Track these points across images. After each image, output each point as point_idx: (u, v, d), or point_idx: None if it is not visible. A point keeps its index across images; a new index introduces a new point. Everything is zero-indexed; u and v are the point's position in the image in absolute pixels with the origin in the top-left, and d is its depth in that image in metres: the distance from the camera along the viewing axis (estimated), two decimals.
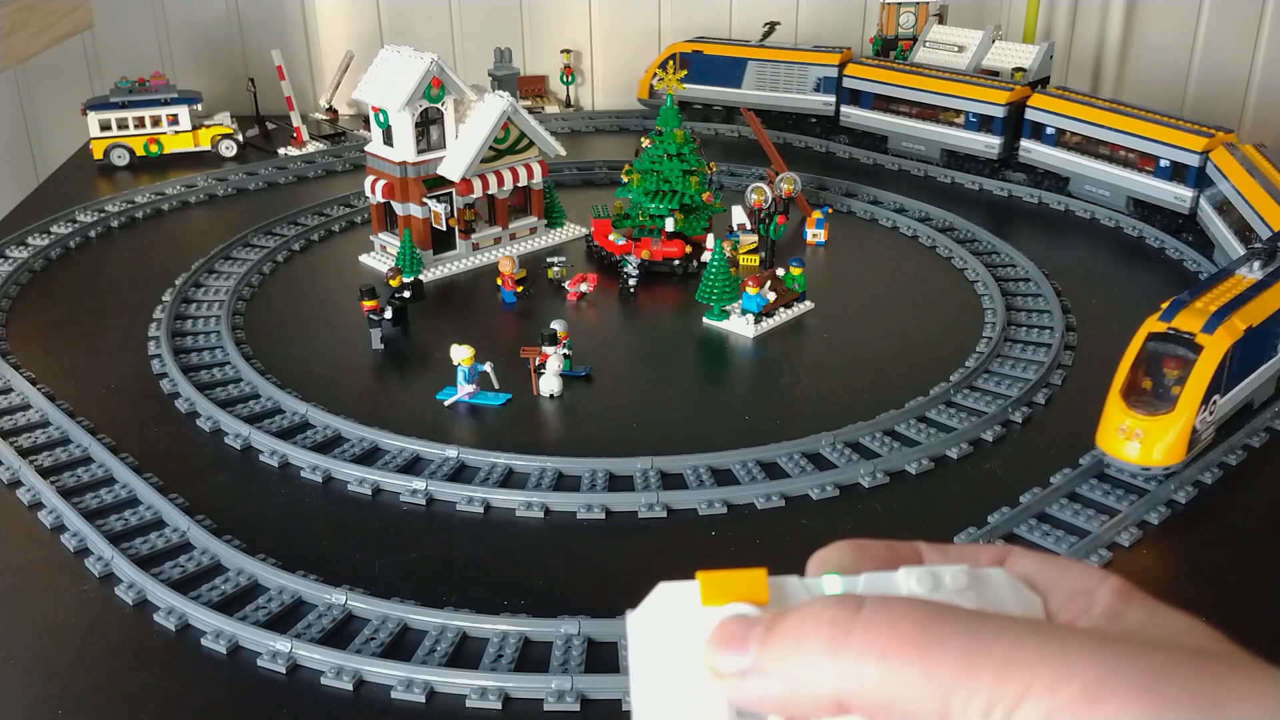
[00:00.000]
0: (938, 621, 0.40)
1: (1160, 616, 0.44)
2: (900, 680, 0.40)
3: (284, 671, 1.57)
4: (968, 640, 0.39)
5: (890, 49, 4.14)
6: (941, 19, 4.10)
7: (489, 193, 3.01)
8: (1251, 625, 1.66)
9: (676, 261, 2.92)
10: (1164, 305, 2.01)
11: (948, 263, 3.04)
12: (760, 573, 0.45)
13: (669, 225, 2.93)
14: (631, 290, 2.85)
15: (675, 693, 0.44)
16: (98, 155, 3.80)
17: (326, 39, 4.49)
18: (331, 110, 4.34)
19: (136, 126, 3.82)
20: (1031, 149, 3.53)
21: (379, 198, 2.98)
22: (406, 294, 2.62)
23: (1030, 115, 3.52)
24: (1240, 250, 2.64)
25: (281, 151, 3.93)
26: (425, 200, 2.92)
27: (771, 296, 2.65)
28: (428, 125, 2.92)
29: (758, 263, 2.99)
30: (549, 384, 2.32)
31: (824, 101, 4.03)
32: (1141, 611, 0.44)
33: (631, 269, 2.84)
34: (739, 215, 3.13)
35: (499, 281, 2.82)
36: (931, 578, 0.45)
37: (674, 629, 0.44)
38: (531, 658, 1.57)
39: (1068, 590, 0.46)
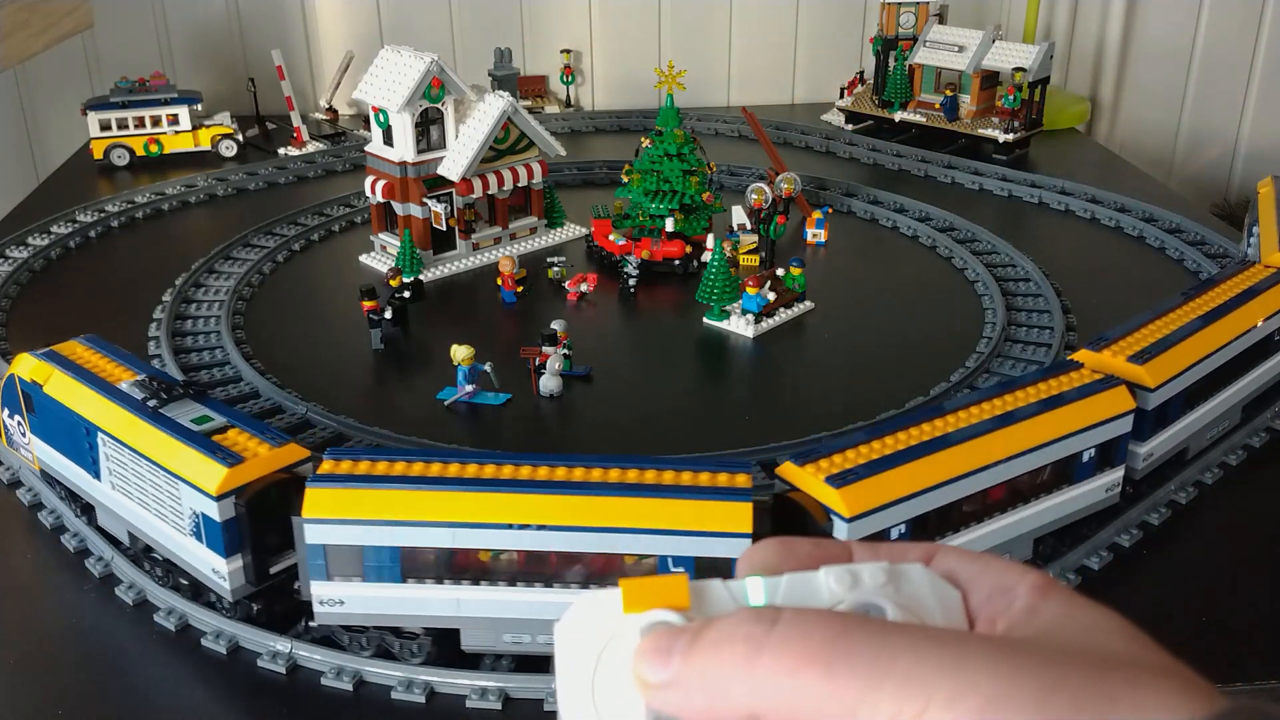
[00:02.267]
0: (846, 637, 0.42)
1: (1077, 612, 0.45)
2: (808, 696, 0.41)
3: (284, 671, 1.57)
4: (873, 655, 0.41)
5: (890, 49, 4.14)
6: (941, 19, 4.10)
7: (489, 193, 3.01)
8: (1252, 625, 1.65)
9: (676, 261, 2.92)
10: None
11: (948, 263, 3.04)
12: (681, 578, 0.46)
13: (669, 225, 2.93)
14: (631, 290, 2.85)
15: (597, 698, 0.45)
16: (98, 155, 3.80)
17: (326, 39, 4.49)
18: (331, 110, 4.34)
19: (136, 126, 3.82)
20: None
21: (379, 198, 2.98)
22: (406, 294, 2.62)
23: None
24: None
25: (281, 151, 3.93)
26: (425, 200, 2.92)
27: (771, 296, 2.65)
28: (428, 125, 2.92)
29: (758, 263, 2.99)
30: (549, 384, 2.32)
31: None
32: (1057, 607, 0.45)
33: (631, 269, 2.84)
34: (739, 215, 3.12)
35: (499, 281, 2.82)
36: (850, 576, 0.46)
37: (597, 636, 0.46)
38: (532, 658, 1.57)
39: (989, 587, 0.47)
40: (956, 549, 0.49)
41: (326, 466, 1.52)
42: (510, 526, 1.44)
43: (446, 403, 2.30)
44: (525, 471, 1.50)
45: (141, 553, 1.75)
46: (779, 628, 0.43)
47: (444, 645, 1.56)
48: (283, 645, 1.58)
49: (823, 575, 0.47)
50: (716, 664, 0.43)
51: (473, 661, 1.56)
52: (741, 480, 1.48)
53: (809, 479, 1.52)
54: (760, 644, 0.42)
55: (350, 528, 1.46)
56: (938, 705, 0.39)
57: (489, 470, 1.51)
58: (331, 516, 1.46)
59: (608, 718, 0.45)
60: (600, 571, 1.47)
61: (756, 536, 1.42)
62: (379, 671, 1.54)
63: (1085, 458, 1.71)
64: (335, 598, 1.50)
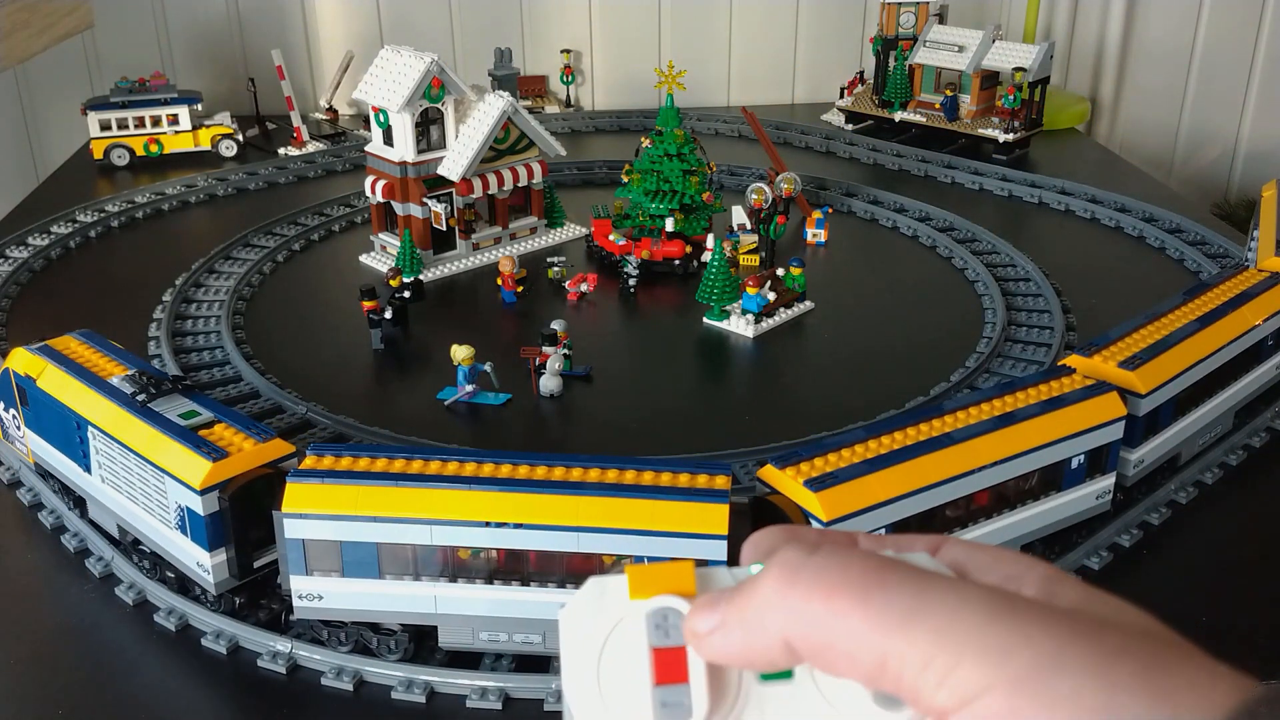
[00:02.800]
0: (886, 571, 0.41)
1: (1095, 601, 0.44)
2: (841, 623, 0.40)
3: (284, 671, 1.57)
4: (912, 593, 0.40)
5: (890, 49, 4.14)
6: (941, 19, 4.10)
7: (489, 193, 3.01)
8: (1252, 625, 1.65)
9: (676, 261, 2.92)
10: None
11: (948, 263, 3.04)
12: (687, 564, 0.47)
13: (669, 225, 2.93)
14: (631, 290, 2.85)
15: (603, 681, 0.46)
16: (98, 155, 3.80)
17: (326, 39, 4.49)
18: (331, 110, 4.33)
19: (136, 126, 3.82)
20: None
21: (379, 198, 2.98)
22: (406, 294, 2.62)
23: None
24: None
25: (281, 151, 3.93)
26: (425, 200, 2.92)
27: (771, 296, 2.65)
28: (428, 125, 2.92)
29: (758, 263, 2.99)
30: (549, 384, 2.31)
31: None
32: (1075, 593, 0.44)
33: (631, 269, 2.84)
34: (739, 215, 3.12)
35: (499, 281, 2.82)
36: None
37: (603, 623, 0.46)
38: (532, 658, 1.57)
39: (998, 577, 0.46)
40: (964, 541, 0.49)
41: (309, 462, 1.53)
42: (487, 525, 1.45)
43: (446, 403, 2.30)
44: (505, 470, 1.51)
45: (130, 545, 1.76)
46: (818, 555, 0.42)
47: (431, 642, 1.56)
48: (283, 645, 1.58)
49: None
50: (756, 595, 0.43)
51: (473, 661, 1.56)
52: (720, 482, 1.48)
53: (788, 482, 1.52)
54: (797, 569, 0.42)
55: (328, 523, 1.48)
56: (970, 659, 0.37)
57: (469, 468, 1.52)
58: (310, 511, 1.48)
59: (613, 703, 0.45)
60: (578, 571, 1.47)
61: (732, 539, 1.42)
62: (379, 671, 1.54)
63: (1075, 464, 1.71)
64: (314, 592, 1.52)
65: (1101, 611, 0.43)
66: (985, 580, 0.46)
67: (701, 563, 0.56)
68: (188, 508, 1.55)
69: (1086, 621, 0.39)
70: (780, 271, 2.71)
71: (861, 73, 4.44)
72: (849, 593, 0.40)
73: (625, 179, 3.07)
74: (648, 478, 1.49)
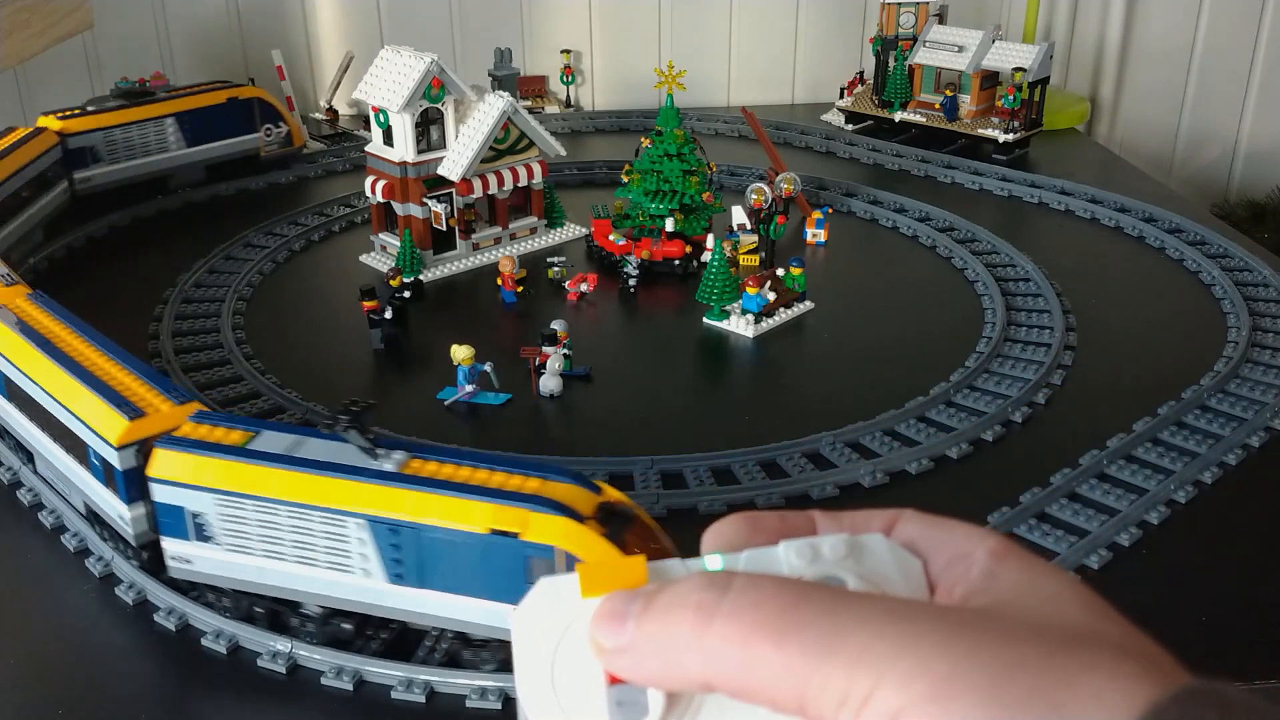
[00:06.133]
0: (799, 607, 0.41)
1: (1038, 579, 0.44)
2: (759, 666, 0.40)
3: (284, 671, 1.57)
4: (826, 628, 0.40)
5: (890, 49, 4.14)
6: (941, 19, 4.10)
7: (489, 193, 3.01)
8: (1252, 625, 1.66)
9: (676, 261, 2.92)
10: None
11: (948, 263, 3.04)
12: (639, 560, 0.46)
13: (669, 225, 2.93)
14: (631, 290, 2.85)
15: (558, 682, 0.45)
16: None
17: (326, 39, 4.49)
18: (331, 110, 4.33)
19: None
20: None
21: (379, 198, 2.98)
22: (406, 294, 2.62)
23: None
24: None
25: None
26: (425, 200, 2.92)
27: (771, 296, 2.65)
28: (428, 125, 2.92)
29: (758, 263, 2.99)
30: (549, 384, 2.32)
31: None
32: (1017, 573, 0.44)
33: (631, 269, 2.84)
34: (739, 215, 3.12)
35: (499, 281, 2.82)
36: (811, 549, 0.46)
37: (555, 623, 0.46)
38: None
39: (950, 553, 0.46)
40: (920, 514, 0.49)
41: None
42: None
43: (446, 403, 2.30)
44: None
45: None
46: (731, 595, 0.42)
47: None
48: (283, 645, 1.59)
49: (782, 550, 0.47)
50: (669, 631, 0.42)
51: (473, 661, 1.56)
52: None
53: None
54: (711, 612, 0.42)
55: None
56: (889, 684, 0.38)
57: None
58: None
59: (568, 704, 0.45)
60: None
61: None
62: (379, 671, 1.54)
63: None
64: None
65: (1033, 596, 0.43)
66: (938, 561, 0.46)
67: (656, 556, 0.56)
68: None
69: (991, 632, 0.40)
70: (780, 271, 2.71)
71: (861, 73, 4.43)
72: (764, 635, 0.40)
73: (625, 179, 3.07)
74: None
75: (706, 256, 2.80)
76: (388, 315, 2.55)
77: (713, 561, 0.47)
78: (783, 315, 2.69)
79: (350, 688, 1.53)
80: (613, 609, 0.44)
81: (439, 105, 2.91)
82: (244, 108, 3.58)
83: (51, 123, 3.24)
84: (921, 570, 0.47)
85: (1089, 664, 0.38)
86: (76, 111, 3.34)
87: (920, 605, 0.42)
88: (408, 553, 1.47)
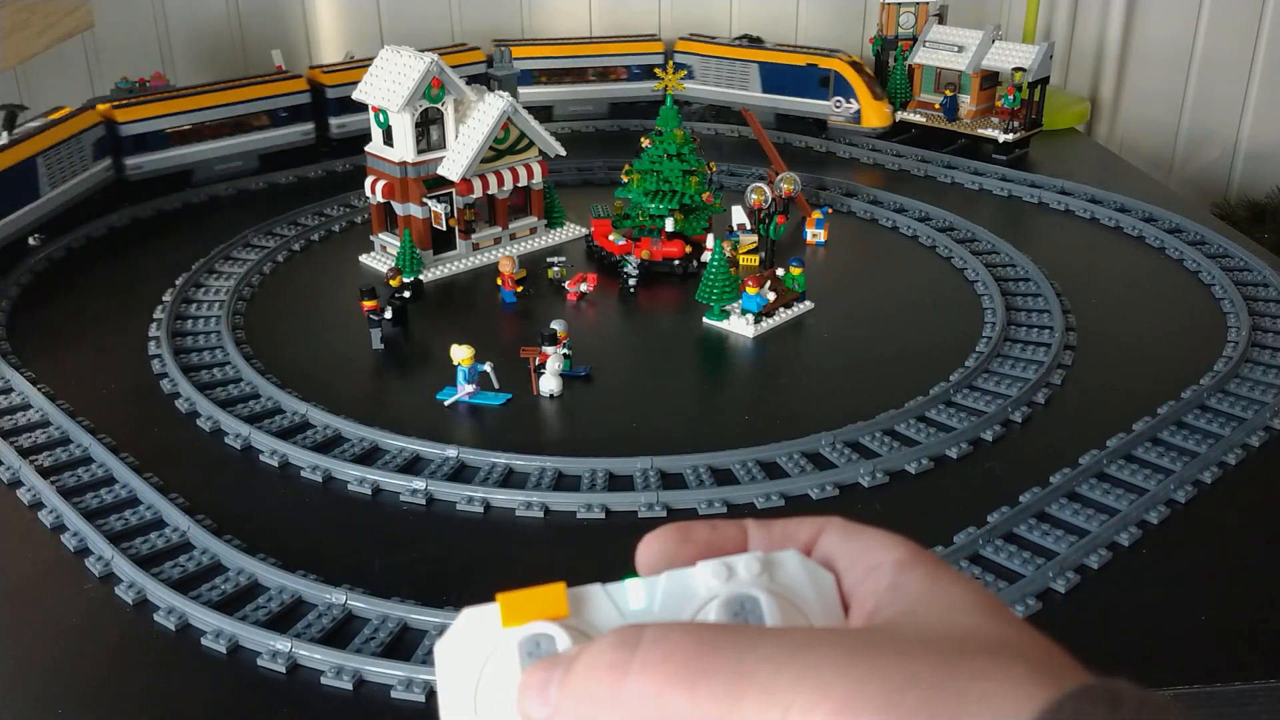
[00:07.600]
0: (707, 654, 0.42)
1: (939, 589, 0.45)
2: (676, 716, 0.42)
3: (284, 671, 1.57)
4: (733, 670, 0.41)
5: (890, 49, 4.14)
6: (941, 19, 4.10)
7: (489, 193, 3.01)
8: (1252, 625, 1.65)
9: (676, 261, 2.92)
10: None
11: (948, 263, 3.04)
12: (558, 587, 0.47)
13: (669, 225, 2.93)
14: (631, 290, 2.85)
15: (480, 712, 0.46)
16: None
17: (326, 39, 4.49)
18: None
19: None
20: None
21: (379, 198, 2.98)
22: (406, 294, 2.62)
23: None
24: None
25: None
26: (425, 200, 2.92)
27: (771, 296, 2.65)
28: (428, 125, 2.92)
29: (758, 263, 2.99)
30: (549, 384, 2.32)
31: None
32: (919, 583, 0.46)
33: (631, 269, 2.84)
34: (739, 215, 3.12)
35: (499, 281, 2.82)
36: (726, 569, 0.47)
37: (477, 654, 0.46)
38: None
39: (864, 565, 0.48)
40: (844, 523, 0.50)
41: None
42: None
43: (446, 403, 2.30)
44: None
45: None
46: (641, 650, 0.43)
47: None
48: (283, 645, 1.59)
49: (699, 570, 0.48)
50: (588, 693, 0.44)
51: None
52: None
53: None
54: (625, 669, 0.43)
55: None
56: (795, 713, 0.39)
57: None
58: None
59: None
60: None
61: None
62: (379, 671, 1.54)
63: None
64: None
65: (935, 606, 0.44)
66: (854, 573, 0.48)
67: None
68: None
69: (887, 649, 0.41)
70: (780, 271, 2.71)
71: None
72: (676, 685, 0.42)
73: (625, 179, 3.07)
74: None
75: (706, 256, 2.80)
76: (388, 315, 2.55)
77: (632, 585, 0.48)
78: (782, 315, 2.69)
79: (350, 687, 1.53)
80: (537, 679, 0.45)
81: (439, 105, 2.91)
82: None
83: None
84: (834, 585, 0.48)
85: (982, 671, 0.39)
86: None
87: (820, 633, 0.43)
88: None
